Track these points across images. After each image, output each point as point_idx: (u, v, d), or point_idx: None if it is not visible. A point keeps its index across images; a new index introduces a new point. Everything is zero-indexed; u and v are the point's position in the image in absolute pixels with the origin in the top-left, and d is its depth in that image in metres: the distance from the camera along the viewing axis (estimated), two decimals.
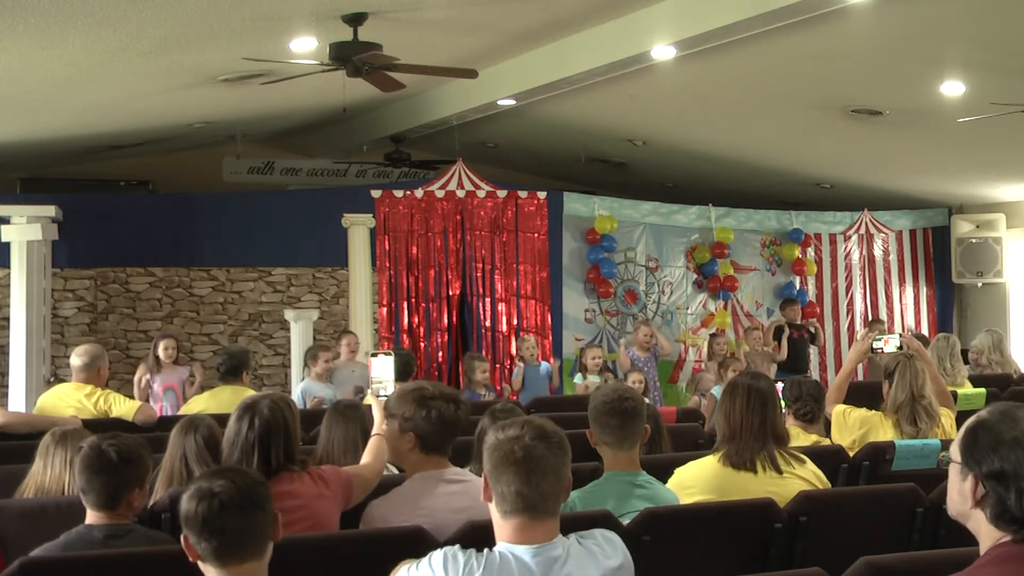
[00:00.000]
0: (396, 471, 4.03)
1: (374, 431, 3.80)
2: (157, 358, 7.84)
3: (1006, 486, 2.06)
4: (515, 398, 8.85)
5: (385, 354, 3.87)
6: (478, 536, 2.97)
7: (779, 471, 3.80)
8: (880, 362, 8.98)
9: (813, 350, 11.63)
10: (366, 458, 3.84)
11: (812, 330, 11.21)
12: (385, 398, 3.72)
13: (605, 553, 2.49)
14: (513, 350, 10.70)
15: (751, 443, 3.81)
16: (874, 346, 5.45)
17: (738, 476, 3.78)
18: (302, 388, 8.10)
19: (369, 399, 3.98)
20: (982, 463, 2.09)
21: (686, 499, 3.79)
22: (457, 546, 2.44)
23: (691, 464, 3.97)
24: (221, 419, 4.00)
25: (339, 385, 8.19)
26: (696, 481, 3.84)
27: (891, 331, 5.75)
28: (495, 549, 2.42)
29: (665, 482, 3.85)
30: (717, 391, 8.50)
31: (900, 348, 5.39)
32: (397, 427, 3.45)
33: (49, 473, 3.96)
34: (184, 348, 10.76)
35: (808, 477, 3.87)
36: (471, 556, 2.40)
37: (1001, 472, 2.07)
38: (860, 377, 10.85)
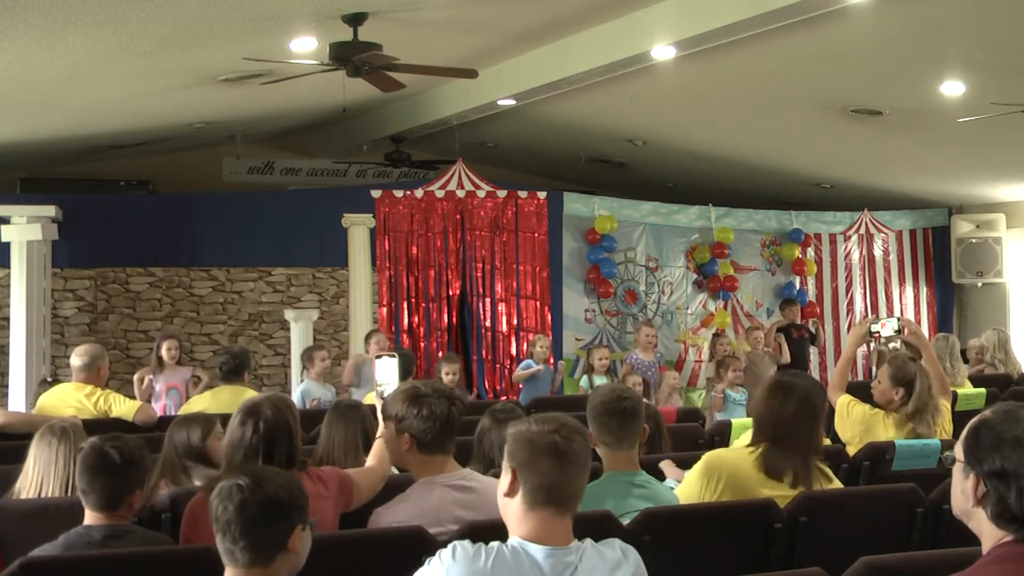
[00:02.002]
0: (397, 471, 4.03)
1: (378, 434, 3.78)
2: (160, 358, 7.80)
3: (1007, 485, 2.07)
4: (515, 397, 8.84)
5: (389, 356, 3.85)
6: (478, 537, 2.96)
7: (809, 488, 3.74)
8: (882, 349, 8.99)
9: (813, 350, 11.63)
10: (370, 461, 3.82)
11: (812, 330, 11.21)
12: (446, 397, 3.68)
13: (617, 559, 2.47)
14: (513, 350, 10.70)
15: (793, 453, 3.69)
16: (872, 329, 5.46)
17: (767, 483, 3.70)
18: (302, 390, 8.10)
19: (374, 401, 3.96)
20: (983, 462, 2.10)
21: (711, 482, 3.72)
22: (467, 540, 2.43)
23: (733, 451, 3.86)
24: (222, 419, 4.01)
25: (367, 382, 8.19)
26: (730, 469, 3.73)
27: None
28: (508, 542, 2.39)
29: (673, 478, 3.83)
30: (729, 392, 8.50)
31: (898, 332, 5.40)
32: (394, 429, 3.43)
33: (53, 470, 3.95)
34: (184, 348, 10.77)
35: None
36: (480, 547, 2.38)
37: (1002, 471, 2.07)
38: (860, 377, 10.87)
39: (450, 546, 2.41)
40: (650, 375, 9.17)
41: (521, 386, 9.20)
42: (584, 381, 9.06)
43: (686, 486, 3.84)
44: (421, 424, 3.37)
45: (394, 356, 3.86)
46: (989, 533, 2.11)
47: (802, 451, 3.71)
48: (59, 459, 3.96)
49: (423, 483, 3.41)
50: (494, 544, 2.39)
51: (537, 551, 2.37)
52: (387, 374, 3.85)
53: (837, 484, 3.89)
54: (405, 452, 3.42)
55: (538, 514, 2.40)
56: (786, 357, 10.23)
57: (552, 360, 9.69)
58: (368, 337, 8.85)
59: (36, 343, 9.87)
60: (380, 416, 3.70)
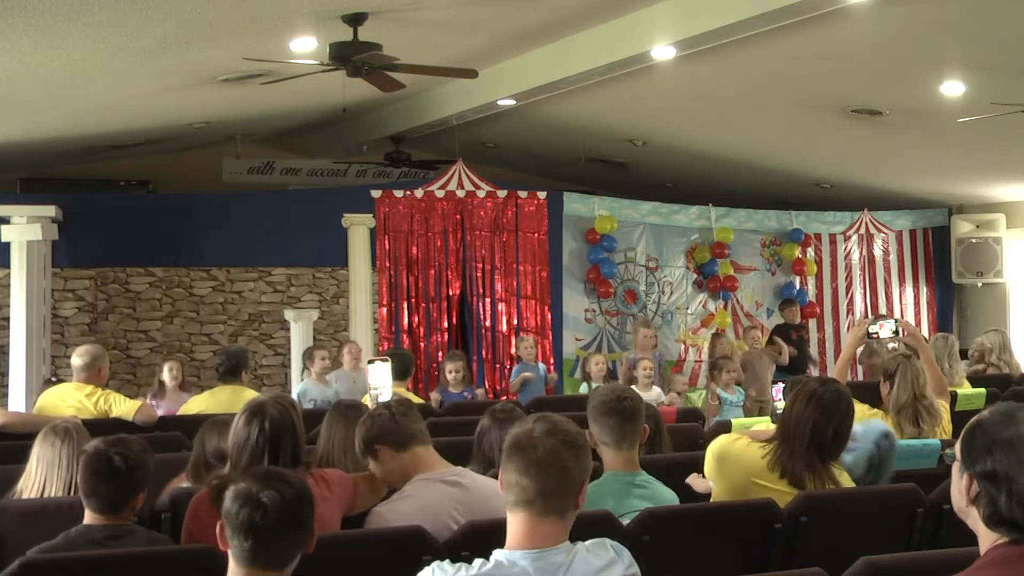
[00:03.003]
0: None
1: None
2: (161, 383, 7.53)
3: (998, 487, 2.06)
4: (514, 398, 8.84)
5: (382, 360, 3.88)
6: (478, 537, 2.97)
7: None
8: (878, 352, 8.99)
9: (812, 351, 11.63)
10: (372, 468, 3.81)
11: (806, 337, 11.22)
12: (384, 403, 3.71)
13: (610, 559, 2.46)
14: (513, 350, 10.70)
15: (801, 455, 3.67)
16: (870, 330, 5.46)
17: (775, 480, 3.69)
18: (300, 390, 8.09)
19: (368, 404, 3.98)
20: (976, 463, 2.09)
21: (726, 468, 3.72)
22: (446, 561, 2.42)
23: (740, 443, 3.83)
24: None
25: (344, 394, 8.19)
26: (743, 462, 3.73)
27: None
28: (492, 556, 2.37)
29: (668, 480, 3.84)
30: (724, 395, 8.48)
31: (896, 333, 5.40)
32: (372, 457, 3.53)
33: (56, 470, 3.94)
34: (184, 348, 10.78)
35: None
36: (461, 566, 2.36)
37: (994, 473, 2.06)
38: (860, 377, 10.87)
39: (429, 568, 2.40)
40: None
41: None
42: (583, 388, 9.03)
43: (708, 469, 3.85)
44: (379, 425, 3.49)
45: (386, 361, 3.89)
46: (984, 533, 2.11)
47: (810, 453, 3.66)
48: (62, 460, 3.95)
49: (420, 481, 3.44)
50: (477, 561, 2.37)
51: (522, 557, 2.34)
52: (380, 378, 3.86)
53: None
54: (389, 460, 3.49)
55: (518, 516, 2.39)
56: (785, 359, 10.22)
57: (550, 359, 9.74)
58: (340, 347, 8.81)
59: (36, 343, 9.87)
60: None
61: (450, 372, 8.14)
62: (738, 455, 3.74)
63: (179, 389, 7.50)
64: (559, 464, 2.38)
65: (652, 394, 7.90)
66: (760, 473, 3.69)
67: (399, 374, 6.47)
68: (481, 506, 3.35)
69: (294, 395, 8.03)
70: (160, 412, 7.35)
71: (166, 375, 7.52)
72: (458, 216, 10.83)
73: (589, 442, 3.65)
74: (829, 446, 3.68)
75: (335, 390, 8.08)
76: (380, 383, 3.85)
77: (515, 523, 2.40)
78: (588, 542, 2.46)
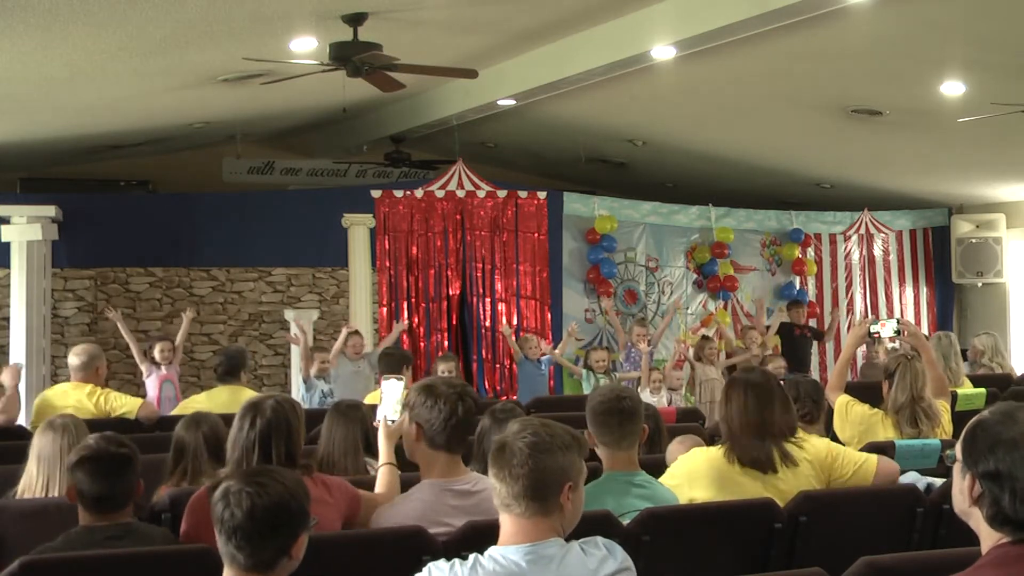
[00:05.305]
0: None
1: (381, 461, 3.69)
2: (153, 359, 7.92)
3: (1000, 486, 2.06)
4: (515, 397, 8.85)
5: (397, 379, 3.78)
6: (477, 538, 2.97)
7: (781, 467, 3.78)
8: (879, 356, 9.01)
9: (814, 351, 11.64)
10: (379, 488, 3.73)
11: (814, 327, 11.30)
12: (392, 423, 3.62)
13: (602, 556, 2.48)
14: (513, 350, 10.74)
15: (753, 443, 3.77)
16: (871, 330, 5.45)
17: (745, 474, 3.76)
18: (309, 382, 8.15)
19: (376, 402, 3.92)
20: (979, 463, 2.09)
21: (690, 489, 3.79)
22: (440, 559, 2.45)
23: (696, 452, 3.94)
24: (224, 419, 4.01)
25: (342, 380, 8.23)
26: (714, 469, 3.80)
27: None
28: (485, 552, 2.41)
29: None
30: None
31: (897, 332, 5.40)
32: (408, 418, 3.42)
33: (59, 466, 3.93)
34: (184, 348, 10.76)
35: (813, 460, 3.84)
36: (455, 562, 2.40)
37: (996, 472, 2.06)
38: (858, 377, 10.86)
39: (426, 568, 2.43)
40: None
41: (518, 386, 9.29)
42: (587, 376, 9.12)
43: (670, 478, 3.90)
44: (426, 414, 3.35)
45: (401, 379, 3.79)
46: (987, 533, 2.11)
47: (758, 431, 3.77)
48: (63, 456, 3.94)
49: (427, 486, 3.40)
50: (472, 555, 2.41)
51: (514, 551, 2.39)
52: (392, 397, 3.77)
53: (805, 468, 3.86)
54: (414, 441, 3.40)
55: (506, 516, 2.45)
56: (771, 334, 10.39)
57: (541, 354, 9.85)
58: (348, 338, 8.76)
59: (36, 343, 9.88)
60: (382, 441, 3.65)
61: (442, 373, 8.16)
62: (709, 464, 3.83)
63: (168, 364, 8.00)
64: (531, 466, 2.42)
65: (662, 397, 8.12)
66: (726, 469, 3.77)
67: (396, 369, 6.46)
68: (487, 516, 3.31)
69: (302, 388, 8.10)
70: (152, 382, 7.63)
71: (157, 353, 7.99)
72: (458, 216, 10.83)
73: (587, 442, 3.66)
74: (771, 421, 3.81)
75: (331, 387, 8.17)
76: (393, 402, 3.74)
77: (504, 522, 2.46)
78: (580, 540, 2.49)
